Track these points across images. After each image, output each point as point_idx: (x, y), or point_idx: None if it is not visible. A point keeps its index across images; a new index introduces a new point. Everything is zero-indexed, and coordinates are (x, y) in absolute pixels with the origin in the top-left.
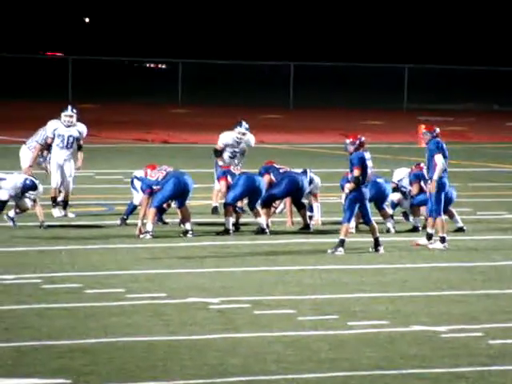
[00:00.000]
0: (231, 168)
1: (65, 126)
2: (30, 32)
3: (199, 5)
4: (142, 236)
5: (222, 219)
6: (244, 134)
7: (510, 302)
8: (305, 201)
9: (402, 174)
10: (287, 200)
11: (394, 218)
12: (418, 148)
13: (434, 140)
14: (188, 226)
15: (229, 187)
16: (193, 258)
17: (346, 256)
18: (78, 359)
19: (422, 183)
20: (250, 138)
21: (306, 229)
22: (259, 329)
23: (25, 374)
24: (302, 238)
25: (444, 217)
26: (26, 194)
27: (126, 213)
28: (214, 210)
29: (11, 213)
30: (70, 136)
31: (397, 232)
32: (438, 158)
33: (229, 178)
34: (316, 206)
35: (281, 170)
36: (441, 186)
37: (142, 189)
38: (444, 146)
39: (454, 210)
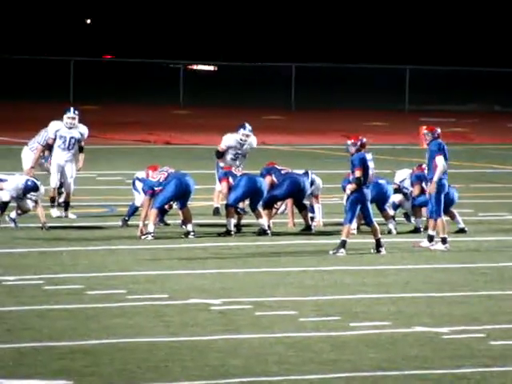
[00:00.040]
0: (233, 169)
1: (67, 127)
2: (31, 33)
3: (201, 6)
4: (143, 237)
5: (223, 220)
6: (248, 135)
7: (511, 303)
8: (306, 202)
9: (403, 175)
10: (289, 201)
11: (396, 219)
12: (420, 149)
13: (436, 141)
14: (189, 227)
15: (230, 188)
16: (194, 259)
17: (347, 257)
18: (79, 360)
19: (424, 184)
20: (253, 140)
21: (307, 230)
22: (261, 330)
23: (26, 375)
24: (303, 239)
25: (445, 218)
26: (28, 196)
27: (127, 214)
28: (216, 211)
29: (13, 214)
30: (72, 137)
31: (398, 233)
32: (439, 160)
33: (230, 179)
34: (317, 207)
35: (282, 171)
36: (440, 187)
37: (143, 190)
38: (445, 147)
39: (455, 211)
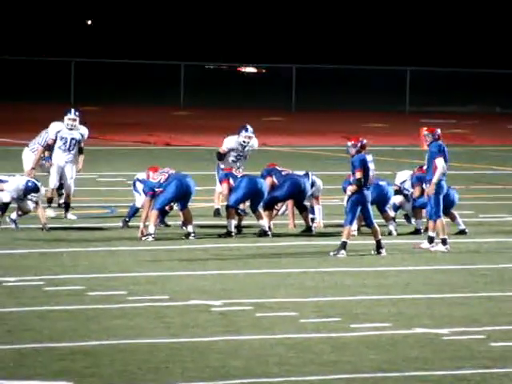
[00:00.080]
0: (233, 170)
1: (68, 128)
2: (32, 34)
3: (201, 7)
4: (144, 238)
5: (224, 221)
6: (250, 137)
7: (511, 304)
8: (307, 203)
9: (404, 177)
10: (289, 202)
11: (396, 220)
12: (421, 150)
13: (436, 143)
14: (190, 228)
15: (231, 189)
16: (195, 261)
17: (348, 258)
18: (80, 361)
19: (425, 186)
20: (254, 142)
21: (308, 231)
22: (261, 331)
23: (26, 376)
24: (304, 240)
25: (445, 219)
26: (28, 197)
27: (128, 215)
28: (216, 213)
29: (13, 215)
30: (73, 139)
31: (399, 234)
32: (439, 162)
33: (231, 181)
34: (318, 208)
35: (283, 173)
36: (439, 188)
37: (144, 191)
38: (445, 148)
39: (455, 212)
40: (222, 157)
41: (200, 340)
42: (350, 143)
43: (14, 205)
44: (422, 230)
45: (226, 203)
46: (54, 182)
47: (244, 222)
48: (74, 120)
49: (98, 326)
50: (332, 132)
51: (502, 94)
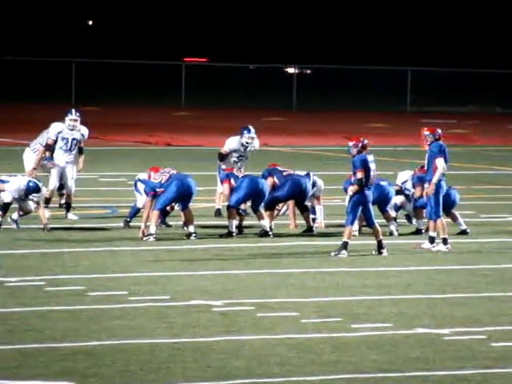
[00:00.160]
0: (234, 171)
1: (69, 129)
2: (33, 35)
3: (202, 7)
4: (145, 238)
5: (225, 222)
6: (253, 138)
7: None
8: (308, 203)
9: (405, 177)
10: (290, 203)
11: (397, 220)
12: (422, 151)
13: (437, 143)
14: (191, 228)
15: (232, 190)
16: (196, 261)
17: (349, 259)
18: (81, 362)
19: (426, 186)
20: (256, 143)
21: (309, 231)
22: (262, 331)
23: (28, 376)
24: (305, 240)
25: (447, 219)
26: (30, 197)
27: (129, 215)
28: (217, 213)
29: (14, 215)
30: (74, 139)
31: (400, 235)
32: (439, 162)
33: (232, 181)
34: (319, 208)
35: (284, 173)
36: (439, 188)
37: (145, 191)
38: (446, 149)
39: (457, 212)
40: (223, 157)
41: (201, 340)
42: (351, 143)
43: (15, 205)
44: (423, 230)
45: (227, 203)
46: (53, 183)
47: (245, 222)
48: (76, 120)
49: (99, 326)
50: (333, 132)
51: (502, 94)
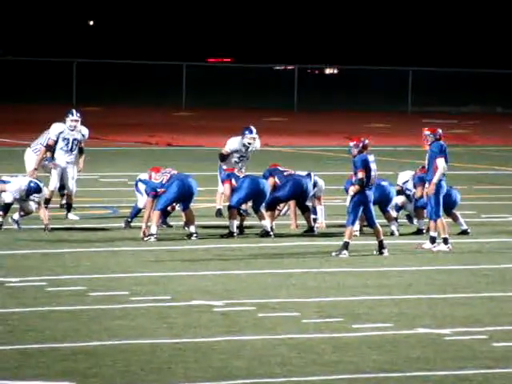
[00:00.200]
0: (235, 171)
1: (70, 130)
2: (34, 35)
3: (203, 8)
4: (146, 239)
5: (226, 222)
6: (254, 138)
7: None
8: (309, 204)
9: (406, 177)
10: (291, 203)
11: (398, 220)
12: (422, 151)
13: (438, 143)
14: (192, 228)
15: (233, 190)
16: (197, 261)
17: (350, 259)
18: (82, 362)
19: (426, 185)
20: (257, 143)
21: (310, 232)
22: (263, 331)
23: (29, 376)
24: (306, 240)
25: (448, 219)
26: (31, 197)
27: (130, 215)
28: (218, 213)
29: (16, 215)
30: (75, 139)
31: (401, 235)
32: (440, 162)
33: (233, 181)
34: (320, 208)
35: (285, 173)
36: (439, 188)
37: (146, 192)
38: (447, 149)
39: (458, 212)
40: (224, 158)
41: (202, 340)
42: (351, 143)
43: (16, 205)
44: (424, 231)
45: (227, 204)
46: (54, 183)
47: (246, 223)
48: (77, 121)
49: (100, 326)
50: (334, 132)
51: (503, 94)
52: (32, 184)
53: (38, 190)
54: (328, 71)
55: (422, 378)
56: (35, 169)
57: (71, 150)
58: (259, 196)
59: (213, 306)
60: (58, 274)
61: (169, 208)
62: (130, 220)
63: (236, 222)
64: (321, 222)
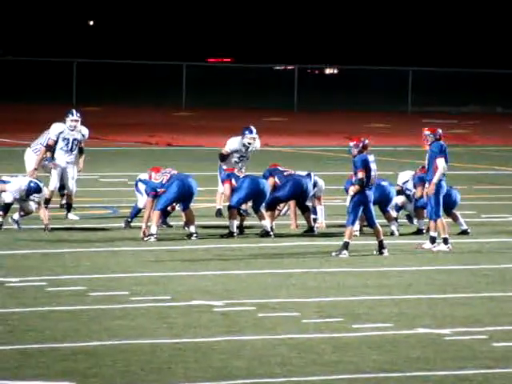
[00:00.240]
0: (235, 171)
1: (70, 130)
2: (34, 35)
3: (203, 8)
4: (146, 239)
5: (226, 222)
6: (254, 138)
7: None
8: (309, 204)
9: (406, 177)
10: (291, 203)
11: (398, 220)
12: (422, 151)
13: (438, 143)
14: (192, 228)
15: (233, 190)
16: (197, 261)
17: (350, 259)
18: (82, 362)
19: (426, 185)
20: (257, 143)
21: (310, 232)
22: (263, 331)
23: (29, 376)
24: (306, 240)
25: (448, 219)
26: (31, 197)
27: (130, 215)
28: (218, 213)
29: (16, 215)
30: (75, 139)
31: (401, 235)
32: (440, 162)
33: (233, 181)
34: (320, 208)
35: (285, 173)
36: (439, 188)
37: (146, 192)
38: (447, 149)
39: (458, 212)
40: (224, 158)
41: (202, 340)
42: (351, 143)
43: (16, 205)
44: (424, 231)
45: (227, 204)
46: (54, 183)
47: (246, 223)
48: (77, 121)
49: (100, 326)
50: (334, 132)
51: (503, 94)
52: (32, 184)
53: (38, 190)
54: (328, 71)
55: (422, 378)
56: (35, 169)
57: (71, 150)
58: (259, 196)
59: (213, 306)
60: (58, 274)
61: (169, 208)
62: (130, 220)
63: (236, 222)
64: (321, 222)
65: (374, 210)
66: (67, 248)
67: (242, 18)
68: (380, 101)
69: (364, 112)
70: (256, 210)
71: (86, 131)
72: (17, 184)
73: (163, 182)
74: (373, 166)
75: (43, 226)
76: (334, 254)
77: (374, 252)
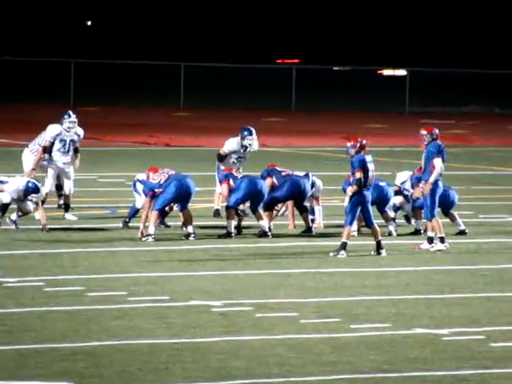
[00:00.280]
0: (233, 171)
1: (67, 131)
2: (32, 35)
3: (201, 7)
4: (144, 239)
5: (224, 222)
6: (253, 140)
7: (511, 304)
8: (307, 204)
9: (404, 177)
10: (289, 203)
11: (396, 221)
12: (420, 151)
13: (435, 143)
14: (190, 228)
15: (231, 190)
16: (195, 261)
17: (348, 259)
18: (80, 362)
19: (421, 184)
20: (255, 144)
21: (308, 232)
22: (262, 332)
23: (27, 376)
24: (304, 241)
25: (445, 220)
26: (29, 197)
27: (128, 216)
28: (216, 213)
29: (13, 216)
30: (71, 140)
31: (399, 235)
32: (437, 162)
33: (231, 181)
34: (318, 209)
35: (283, 173)
36: (435, 188)
37: (144, 192)
38: (444, 149)
39: (455, 213)
40: (222, 158)
41: (200, 340)
42: (349, 144)
43: (14, 205)
44: (422, 231)
45: (225, 204)
46: (49, 186)
47: (244, 223)
48: (75, 122)
49: (98, 326)
50: (332, 133)
51: (501, 94)
52: (30, 184)
53: (36, 190)
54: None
55: (420, 378)
56: (33, 169)
57: (68, 151)
58: (257, 196)
59: (211, 306)
60: (56, 275)
61: (167, 208)
62: (127, 220)
63: (234, 223)
64: (319, 222)
65: (372, 210)
66: (65, 248)
67: (241, 17)
68: (378, 101)
69: (362, 112)
70: (254, 210)
71: (81, 131)
72: (15, 184)
73: (161, 183)
74: (370, 166)
75: (41, 227)
76: (331, 254)
77: (372, 252)
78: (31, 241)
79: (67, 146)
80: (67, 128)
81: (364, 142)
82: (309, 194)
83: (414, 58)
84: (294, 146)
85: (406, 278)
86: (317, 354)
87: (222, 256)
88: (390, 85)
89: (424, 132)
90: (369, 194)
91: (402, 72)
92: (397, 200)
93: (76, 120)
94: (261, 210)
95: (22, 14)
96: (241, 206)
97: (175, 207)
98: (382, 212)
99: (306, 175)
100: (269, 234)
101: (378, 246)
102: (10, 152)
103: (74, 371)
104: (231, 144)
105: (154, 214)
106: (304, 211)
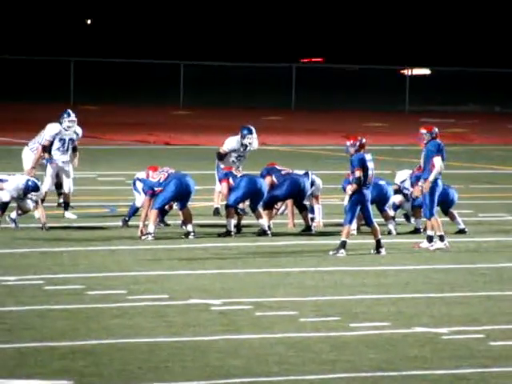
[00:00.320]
0: (233, 170)
1: (67, 130)
2: (31, 34)
3: (201, 6)
4: (143, 238)
5: (223, 221)
6: (253, 139)
7: (510, 303)
8: (306, 202)
9: (403, 176)
10: (289, 202)
11: (396, 219)
12: (420, 150)
13: (434, 141)
14: (190, 227)
15: (230, 189)
16: (194, 260)
17: (347, 258)
18: (80, 360)
19: (420, 183)
20: (255, 143)
21: (307, 230)
22: (261, 330)
23: (26, 375)
24: (303, 239)
25: (445, 219)
26: (28, 196)
27: (127, 214)
28: (216, 212)
29: (13, 214)
30: (70, 139)
31: (398, 234)
32: (437, 161)
33: (230, 180)
34: (317, 207)
35: (282, 172)
36: (435, 187)
37: (143, 190)
38: (444, 147)
39: (455, 211)
40: (222, 157)
41: (200, 339)
42: (348, 142)
43: (13, 204)
44: (422, 230)
45: (225, 202)
46: (47, 185)
47: (243, 222)
48: (74, 121)
49: (98, 325)
50: (331, 131)
51: (501, 93)
52: (30, 182)
53: (36, 188)
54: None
55: (420, 377)
56: (33, 167)
57: (67, 150)
58: (257, 195)
59: (210, 304)
60: (55, 273)
61: (166, 207)
62: (127, 219)
63: (233, 221)
64: (318, 220)
65: (372, 209)
66: (65, 247)
67: (241, 17)
68: (378, 100)
69: (362, 111)
70: (253, 208)
71: (79, 130)
72: (14, 182)
73: (161, 181)
74: (370, 164)
75: (41, 225)
76: (331, 252)
77: (372, 251)
78: (31, 239)
79: (66, 144)
80: (67, 127)
81: (364, 140)
82: (308, 192)
83: (414, 56)
84: (293, 144)
85: (406, 276)
86: (316, 353)
87: (222, 255)
88: (390, 83)
89: (423, 131)
90: (368, 193)
91: (425, 71)
92: (396, 199)
93: (75, 119)
94: (260, 209)
95: (21, 13)
96: (240, 205)
97: (175, 206)
98: (382, 211)
99: (306, 174)
100: (268, 232)
101: (378, 245)
102: (10, 150)
103: (73, 370)
104: (231, 143)
105: (153, 213)
106: (304, 210)
